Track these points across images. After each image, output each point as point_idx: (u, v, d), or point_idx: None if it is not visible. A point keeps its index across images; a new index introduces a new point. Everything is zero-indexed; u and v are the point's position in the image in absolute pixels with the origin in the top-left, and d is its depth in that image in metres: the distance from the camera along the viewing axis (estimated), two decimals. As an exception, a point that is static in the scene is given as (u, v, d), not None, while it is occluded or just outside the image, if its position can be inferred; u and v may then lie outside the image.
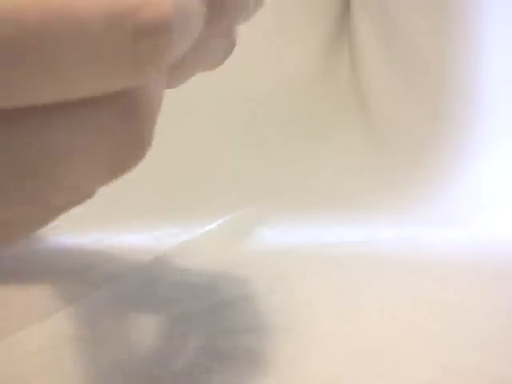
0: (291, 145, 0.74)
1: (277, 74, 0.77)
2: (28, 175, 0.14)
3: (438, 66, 0.71)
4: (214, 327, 0.42)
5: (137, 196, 0.65)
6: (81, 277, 0.50)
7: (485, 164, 0.66)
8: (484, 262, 0.53)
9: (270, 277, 0.50)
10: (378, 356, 0.38)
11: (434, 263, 0.53)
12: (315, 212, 0.64)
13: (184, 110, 0.70)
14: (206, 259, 0.54)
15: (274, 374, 0.36)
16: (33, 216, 0.16)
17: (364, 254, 0.56)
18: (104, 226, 0.59)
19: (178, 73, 0.21)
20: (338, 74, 0.81)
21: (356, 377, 0.36)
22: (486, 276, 0.51)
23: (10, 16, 0.12)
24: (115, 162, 0.15)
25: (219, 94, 0.73)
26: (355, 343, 0.39)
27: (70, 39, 0.12)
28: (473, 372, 0.36)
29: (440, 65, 0.71)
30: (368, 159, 0.73)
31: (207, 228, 0.60)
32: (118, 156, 0.15)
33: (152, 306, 0.45)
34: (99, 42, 0.13)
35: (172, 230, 0.59)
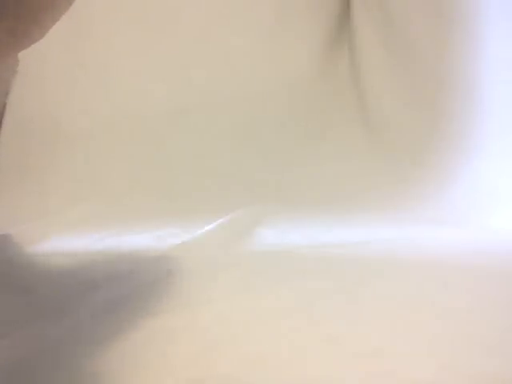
0: (291, 145, 0.74)
1: (277, 73, 0.77)
2: None
3: (438, 65, 0.71)
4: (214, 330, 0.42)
5: (137, 196, 0.65)
6: (81, 277, 0.50)
7: (484, 164, 0.66)
8: (484, 262, 0.53)
9: (270, 277, 0.50)
10: (378, 356, 0.38)
11: (433, 263, 0.53)
12: (315, 212, 0.64)
13: (184, 110, 0.70)
14: (206, 259, 0.54)
15: (275, 373, 0.36)
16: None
17: (364, 254, 0.56)
18: (104, 226, 0.59)
19: None
20: (338, 74, 0.81)
21: (356, 377, 0.36)
22: (486, 276, 0.51)
23: None
24: None
25: (219, 93, 0.73)
26: (355, 343, 0.39)
27: None
28: (473, 372, 0.36)
29: (440, 65, 0.71)
30: (367, 159, 0.73)
31: (207, 228, 0.60)
32: None
33: (152, 305, 0.45)
34: None
35: (172, 230, 0.59)
